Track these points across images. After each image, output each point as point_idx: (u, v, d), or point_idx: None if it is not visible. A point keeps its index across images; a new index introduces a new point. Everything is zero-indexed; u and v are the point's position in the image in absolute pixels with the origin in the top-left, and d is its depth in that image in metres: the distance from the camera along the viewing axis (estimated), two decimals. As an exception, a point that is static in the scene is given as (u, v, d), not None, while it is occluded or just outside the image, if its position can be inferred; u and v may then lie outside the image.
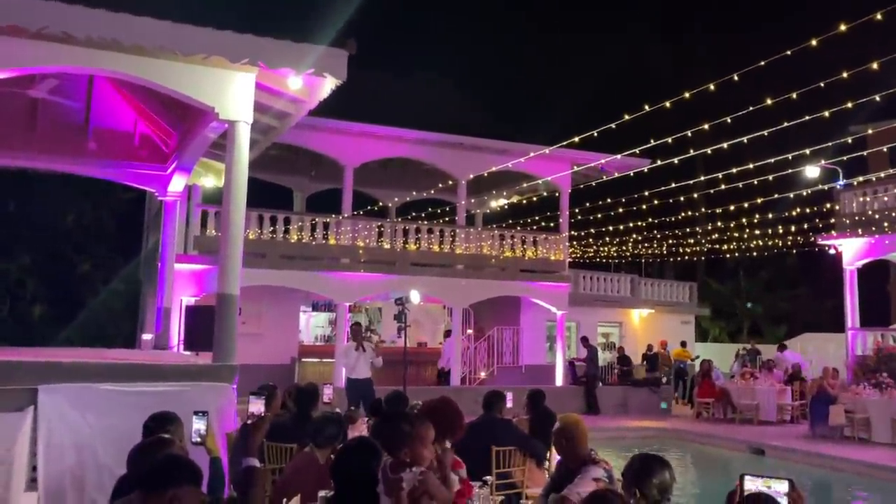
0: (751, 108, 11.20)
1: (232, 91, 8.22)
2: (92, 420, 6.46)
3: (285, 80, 8.75)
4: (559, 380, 19.34)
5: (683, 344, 22.47)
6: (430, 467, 3.59)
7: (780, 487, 2.73)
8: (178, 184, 12.08)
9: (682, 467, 13.29)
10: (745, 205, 17.17)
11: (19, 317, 23.91)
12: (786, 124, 11.49)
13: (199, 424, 4.19)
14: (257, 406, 4.04)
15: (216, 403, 6.88)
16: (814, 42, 9.26)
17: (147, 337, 13.38)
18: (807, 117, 11.27)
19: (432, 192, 18.15)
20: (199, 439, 4.17)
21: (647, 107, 11.38)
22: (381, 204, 20.70)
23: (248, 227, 15.72)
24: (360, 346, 13.14)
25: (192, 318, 10.17)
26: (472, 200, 21.44)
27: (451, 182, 18.62)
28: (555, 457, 5.20)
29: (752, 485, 2.78)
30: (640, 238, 21.94)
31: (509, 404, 7.48)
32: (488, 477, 4.75)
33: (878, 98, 11.24)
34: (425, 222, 18.88)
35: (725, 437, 15.11)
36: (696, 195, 18.25)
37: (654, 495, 3.63)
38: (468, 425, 6.30)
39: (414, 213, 19.70)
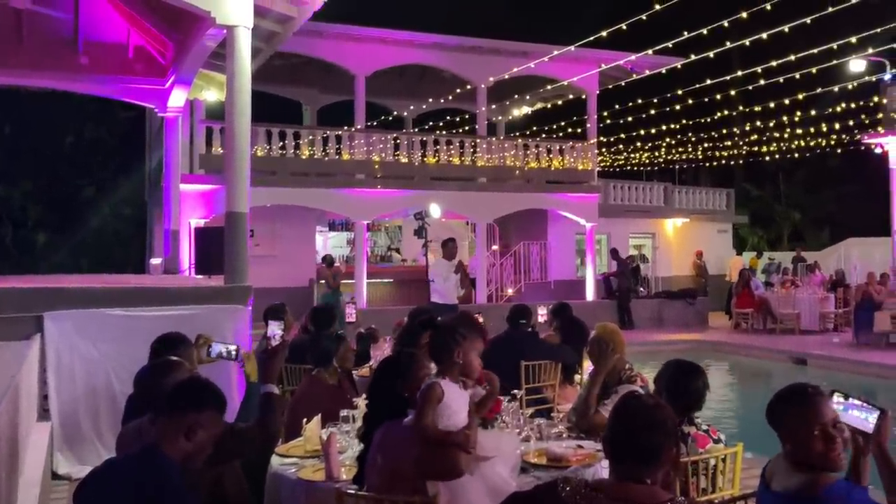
0: (791, -7, 10.65)
1: (228, -7, 7.93)
2: (102, 346, 6.50)
3: (285, -22, 8.44)
4: (590, 294, 19.31)
5: (759, 253, 24.47)
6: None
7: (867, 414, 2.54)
8: (178, 98, 11.90)
9: (721, 379, 13.32)
10: (786, 101, 16.61)
11: (23, 244, 24.12)
12: (830, 10, 10.96)
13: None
14: (275, 330, 3.96)
15: (230, 326, 6.89)
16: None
17: (156, 261, 13.48)
18: (853, 1, 10.71)
19: (450, 98, 17.75)
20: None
21: (679, -5, 10.86)
22: (395, 115, 20.35)
23: (256, 143, 15.54)
24: (462, 268, 11.27)
25: (202, 240, 10.16)
26: (493, 107, 21.00)
27: (469, 88, 18.19)
28: (587, 370, 5.14)
29: (837, 405, 2.59)
30: (673, 142, 21.46)
31: (541, 319, 7.42)
32: (517, 391, 4.70)
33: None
34: (444, 133, 18.55)
35: (765, 347, 15.10)
36: (732, 92, 17.64)
37: (686, 401, 3.59)
38: (493, 340, 6.29)
39: (431, 124, 19.35)
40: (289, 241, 18.23)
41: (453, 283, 11.29)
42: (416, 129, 20.02)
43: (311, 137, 16.95)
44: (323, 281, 15.43)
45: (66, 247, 24.05)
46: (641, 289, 20.42)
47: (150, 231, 19.40)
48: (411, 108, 20.13)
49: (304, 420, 4.20)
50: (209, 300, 7.17)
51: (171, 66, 11.42)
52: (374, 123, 18.34)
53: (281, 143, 16.52)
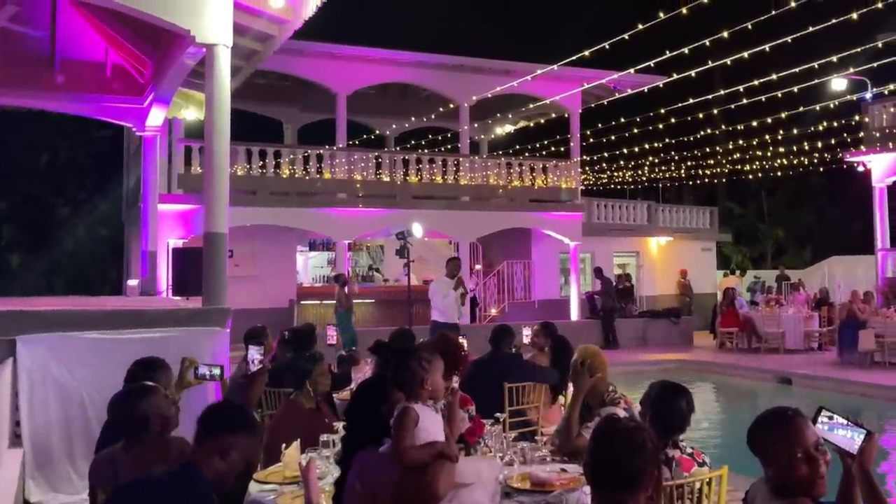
0: (773, 13, 10.83)
1: (208, 11, 7.95)
2: (76, 370, 6.41)
3: (265, -3, 8.49)
4: (574, 314, 19.34)
5: (743, 272, 25.32)
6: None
7: (853, 434, 2.56)
8: (156, 117, 11.86)
9: (705, 399, 13.35)
10: (769, 120, 16.85)
11: (-5, 266, 23.86)
12: (811, 29, 11.15)
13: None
14: (254, 355, 3.94)
15: (208, 349, 6.83)
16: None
17: (133, 283, 13.37)
18: (833, 20, 10.91)
19: (433, 116, 17.82)
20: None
21: (661, 14, 11.02)
22: (377, 133, 20.38)
23: (236, 162, 15.53)
24: (462, 284, 11.40)
25: (180, 260, 10.11)
26: (476, 126, 21.09)
27: (452, 107, 18.29)
28: (571, 390, 5.13)
29: (823, 424, 2.60)
30: (656, 161, 21.64)
31: (525, 340, 7.41)
32: (500, 414, 4.69)
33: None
34: (426, 152, 18.60)
35: (750, 367, 15.14)
36: (715, 111, 17.86)
37: (670, 422, 3.62)
38: (475, 362, 6.28)
39: (413, 142, 19.40)
40: (269, 262, 18.16)
41: (453, 300, 11.22)
42: (398, 148, 20.07)
43: (291, 156, 16.94)
44: (336, 301, 15.49)
45: (41, 268, 23.76)
46: (634, 308, 20.46)
47: (127, 252, 19.26)
48: (393, 126, 20.20)
49: (283, 445, 4.16)
50: (187, 322, 7.11)
51: (150, 84, 11.39)
52: (356, 142, 18.38)
53: (261, 163, 16.50)
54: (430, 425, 3.26)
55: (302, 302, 18.19)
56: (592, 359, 4.50)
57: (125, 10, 7.97)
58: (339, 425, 4.30)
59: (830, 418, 2.59)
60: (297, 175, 16.86)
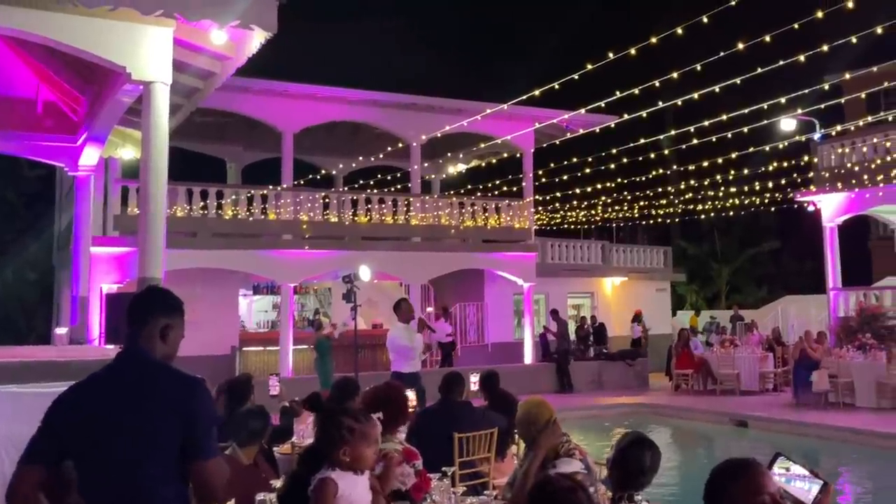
0: (721, 54, 11.14)
1: (146, 48, 7.88)
2: (-5, 428, 6.13)
3: (207, 34, 8.45)
4: (528, 357, 19.33)
5: (698, 312, 25.63)
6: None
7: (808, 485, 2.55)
8: (90, 156, 11.65)
9: (661, 446, 13.33)
10: (719, 160, 17.23)
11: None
12: (759, 70, 11.48)
13: None
14: None
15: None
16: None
17: (61, 331, 12.95)
18: (781, 62, 11.27)
19: (381, 156, 17.84)
20: None
21: (611, 55, 11.24)
22: (324, 172, 20.32)
23: (176, 202, 15.30)
24: (428, 326, 11.45)
25: (114, 307, 9.79)
26: (427, 165, 21.18)
27: (402, 145, 18.33)
28: (520, 441, 5.07)
29: (781, 476, 2.58)
30: (609, 200, 21.96)
31: (474, 387, 7.34)
32: (448, 468, 4.58)
33: (854, 40, 11.24)
34: (376, 191, 18.58)
35: (706, 409, 15.27)
36: (666, 151, 18.27)
37: (627, 473, 3.66)
38: (424, 412, 6.18)
39: (362, 182, 19.38)
40: (210, 307, 17.70)
41: (418, 348, 10.86)
42: (347, 188, 20.02)
43: (234, 196, 16.76)
44: (313, 346, 15.36)
45: (-39, 316, 22.97)
46: (607, 347, 20.50)
47: (57, 298, 18.74)
48: (341, 165, 20.17)
49: (216, 506, 3.99)
50: (118, 373, 6.86)
51: (84, 122, 11.20)
52: (303, 182, 18.28)
53: (202, 203, 16.26)
54: (350, 493, 3.13)
55: (244, 348, 17.85)
56: (535, 414, 4.45)
57: (59, 47, 7.84)
58: (277, 483, 4.17)
59: (787, 469, 2.58)
60: (240, 216, 16.66)
